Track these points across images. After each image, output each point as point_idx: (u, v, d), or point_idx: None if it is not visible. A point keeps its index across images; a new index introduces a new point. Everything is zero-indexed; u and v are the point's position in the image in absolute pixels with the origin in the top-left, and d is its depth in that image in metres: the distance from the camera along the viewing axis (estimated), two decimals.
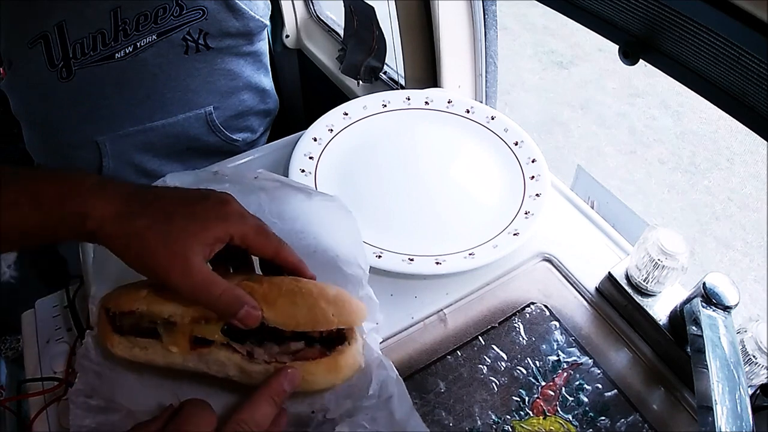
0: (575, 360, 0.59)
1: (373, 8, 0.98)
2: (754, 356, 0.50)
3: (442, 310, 0.63)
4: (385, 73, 1.07)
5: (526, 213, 0.70)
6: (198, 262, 0.45)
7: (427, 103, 0.86)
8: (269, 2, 1.03)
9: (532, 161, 0.76)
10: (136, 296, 0.49)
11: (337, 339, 0.51)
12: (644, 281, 0.59)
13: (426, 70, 0.97)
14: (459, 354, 0.60)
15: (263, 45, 1.05)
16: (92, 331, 0.52)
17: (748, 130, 0.48)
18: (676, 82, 0.51)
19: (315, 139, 0.80)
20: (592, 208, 0.75)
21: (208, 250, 0.46)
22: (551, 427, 0.54)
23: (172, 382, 0.52)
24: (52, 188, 0.45)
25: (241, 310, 0.46)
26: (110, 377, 0.50)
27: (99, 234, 0.45)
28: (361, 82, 1.07)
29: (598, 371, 0.58)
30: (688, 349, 0.53)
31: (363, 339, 0.52)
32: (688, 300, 0.54)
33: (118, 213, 0.45)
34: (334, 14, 1.25)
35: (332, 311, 0.48)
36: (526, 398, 0.56)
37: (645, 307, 0.59)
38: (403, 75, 1.00)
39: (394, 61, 0.99)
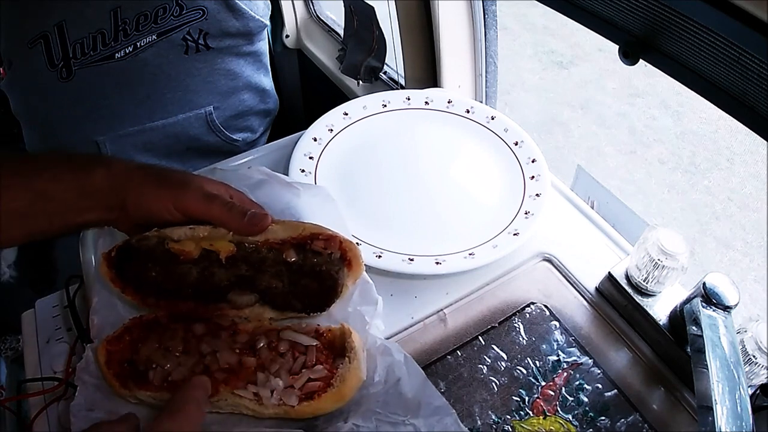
0: (575, 360, 0.59)
1: (373, 8, 0.98)
2: (754, 356, 0.50)
3: (442, 310, 0.63)
4: (385, 73, 1.07)
5: (526, 213, 0.70)
6: (206, 186, 0.51)
7: (427, 103, 0.86)
8: (269, 2, 1.03)
9: (532, 161, 0.76)
10: (146, 233, 0.53)
11: (338, 346, 0.51)
12: (644, 281, 0.59)
13: (426, 70, 0.97)
14: (459, 354, 0.60)
15: (263, 45, 1.05)
16: (92, 345, 0.52)
17: (748, 130, 0.48)
18: (676, 82, 0.51)
19: (315, 139, 0.80)
20: (592, 208, 0.75)
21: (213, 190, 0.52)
22: (551, 427, 0.54)
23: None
24: (78, 157, 0.52)
25: (249, 211, 0.51)
26: (111, 390, 0.50)
27: (124, 177, 0.50)
28: (361, 82, 1.07)
29: (598, 371, 0.58)
30: (688, 349, 0.53)
31: (364, 352, 0.52)
32: (688, 300, 0.54)
33: (138, 165, 0.52)
34: (334, 14, 1.25)
35: (333, 231, 0.53)
36: (526, 398, 0.56)
37: (645, 307, 0.59)
38: (403, 75, 1.00)
39: (394, 61, 0.99)
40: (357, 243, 0.65)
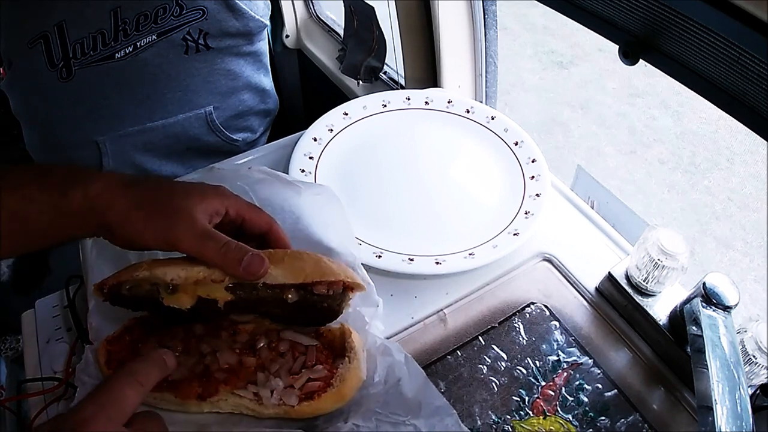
0: (575, 360, 0.59)
1: (373, 8, 0.98)
2: (754, 356, 0.50)
3: (442, 310, 0.63)
4: (385, 73, 1.07)
5: (526, 213, 0.70)
6: (202, 217, 0.46)
7: (427, 103, 0.86)
8: (269, 2, 1.03)
9: (532, 161, 0.76)
10: (136, 269, 0.49)
11: (338, 346, 0.51)
12: (644, 281, 0.59)
13: (426, 70, 0.97)
14: (459, 354, 0.60)
15: (263, 45, 1.05)
16: (92, 346, 0.52)
17: (748, 130, 0.48)
18: (676, 82, 0.51)
19: (315, 139, 0.80)
20: (592, 208, 0.75)
21: (208, 218, 0.47)
22: (551, 427, 0.54)
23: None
24: (58, 170, 0.47)
25: (246, 257, 0.46)
26: None
27: (103, 200, 0.45)
28: (361, 82, 1.07)
29: (598, 371, 0.58)
30: (688, 349, 0.53)
31: (364, 352, 0.52)
32: (688, 300, 0.54)
33: (122, 182, 0.46)
34: (334, 14, 1.25)
35: (336, 267, 0.50)
36: (526, 398, 0.56)
37: (645, 307, 0.59)
38: (403, 75, 1.00)
39: (394, 61, 0.99)
40: (357, 243, 0.65)
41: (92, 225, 0.46)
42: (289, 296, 0.49)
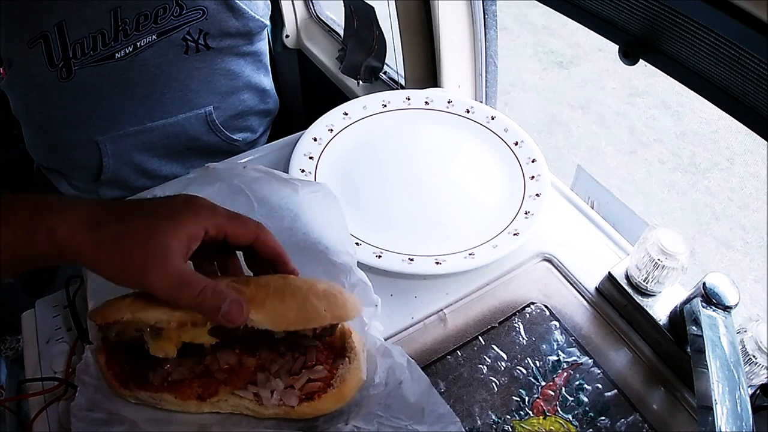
0: (575, 360, 0.59)
1: (373, 8, 0.98)
2: (754, 356, 0.50)
3: (442, 310, 0.63)
4: (385, 73, 1.07)
5: (526, 213, 0.70)
6: (175, 260, 0.43)
7: (427, 103, 0.86)
8: (269, 2, 1.03)
9: (532, 161, 0.76)
10: (120, 305, 0.47)
11: (338, 347, 0.51)
12: (644, 281, 0.59)
13: (426, 70, 0.97)
14: (459, 354, 0.60)
15: (263, 45, 1.05)
16: (92, 346, 0.52)
17: (748, 130, 0.48)
18: (676, 82, 0.51)
19: (315, 139, 0.80)
20: (592, 208, 0.75)
21: (185, 248, 0.45)
22: (551, 427, 0.54)
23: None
24: (22, 204, 0.43)
25: (223, 305, 0.44)
26: (111, 390, 0.50)
27: (70, 244, 0.42)
28: (361, 82, 1.07)
29: (598, 371, 0.58)
30: (688, 349, 0.53)
31: (364, 352, 0.52)
32: (688, 300, 0.54)
33: (88, 222, 0.43)
34: (334, 14, 1.25)
35: (324, 306, 0.46)
36: (526, 398, 0.56)
37: (645, 307, 0.59)
38: (403, 75, 1.00)
39: (394, 61, 0.99)
40: (357, 243, 0.65)
41: (67, 260, 0.44)
42: (275, 335, 0.47)
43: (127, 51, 0.90)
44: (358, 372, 0.50)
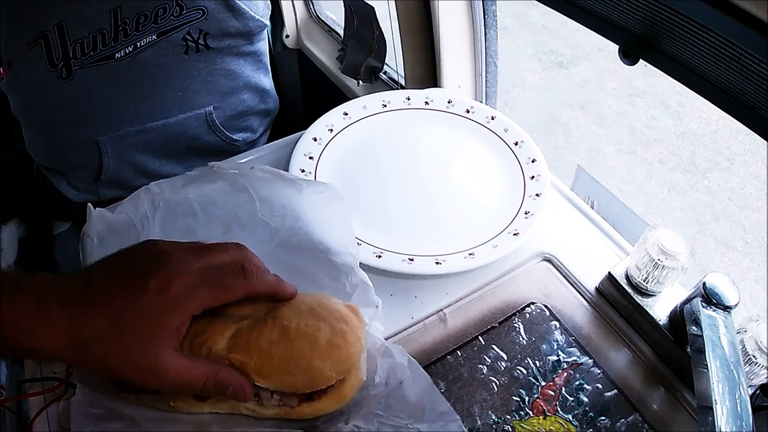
0: (575, 360, 0.59)
1: (373, 8, 0.98)
2: (754, 356, 0.50)
3: (442, 310, 0.63)
4: (385, 73, 1.07)
5: (526, 213, 0.70)
6: (168, 360, 0.42)
7: (427, 103, 0.86)
8: (269, 2, 1.03)
9: (532, 161, 0.76)
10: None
11: None
12: (644, 281, 0.59)
13: (426, 70, 0.97)
14: (459, 354, 0.60)
15: (263, 45, 1.05)
16: None
17: (748, 130, 0.48)
18: (676, 82, 0.51)
19: (315, 139, 0.80)
20: (592, 208, 0.75)
21: (175, 337, 0.44)
22: (551, 427, 0.54)
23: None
24: None
25: (228, 391, 0.45)
26: (110, 387, 0.50)
27: (44, 349, 0.41)
28: (361, 82, 1.07)
29: (598, 371, 0.58)
30: (688, 349, 0.53)
31: (364, 352, 0.51)
32: (688, 300, 0.54)
33: (68, 346, 0.41)
34: (334, 14, 1.25)
35: (329, 366, 0.47)
36: (526, 398, 0.56)
37: (645, 307, 0.59)
38: (403, 75, 1.00)
39: (394, 61, 0.99)
40: (357, 243, 0.65)
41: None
42: None
43: (127, 51, 0.90)
44: (358, 372, 0.50)
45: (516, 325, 0.62)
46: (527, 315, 0.63)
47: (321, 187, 0.66)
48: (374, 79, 1.07)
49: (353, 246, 0.61)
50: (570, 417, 0.55)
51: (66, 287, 0.43)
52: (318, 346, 0.47)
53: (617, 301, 0.62)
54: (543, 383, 0.57)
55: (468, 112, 0.84)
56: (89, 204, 0.65)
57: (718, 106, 0.49)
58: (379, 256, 0.65)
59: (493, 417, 0.55)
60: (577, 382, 0.57)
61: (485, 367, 0.59)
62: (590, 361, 0.59)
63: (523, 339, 0.61)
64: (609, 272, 0.62)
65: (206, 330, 0.47)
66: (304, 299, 0.51)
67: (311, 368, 0.46)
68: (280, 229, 0.61)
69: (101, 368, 0.43)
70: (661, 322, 0.58)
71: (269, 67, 1.09)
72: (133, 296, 0.42)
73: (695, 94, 0.51)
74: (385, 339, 0.59)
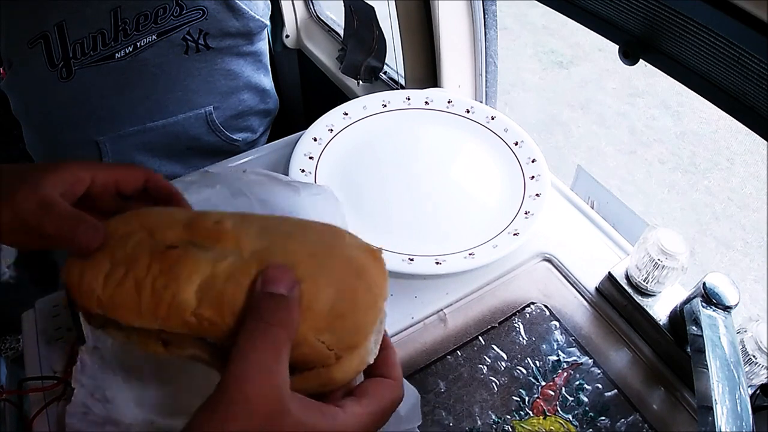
0: (575, 360, 0.59)
1: (373, 8, 0.98)
2: (754, 356, 0.50)
3: (442, 310, 0.63)
4: (385, 73, 1.07)
5: (526, 213, 0.70)
6: (50, 193, 0.39)
7: (427, 103, 0.86)
8: (269, 2, 1.03)
9: (532, 161, 0.76)
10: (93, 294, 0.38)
11: None
12: (644, 281, 0.59)
13: (426, 70, 0.97)
14: (459, 354, 0.60)
15: (263, 45, 1.05)
16: (87, 345, 0.52)
17: (748, 130, 0.48)
18: (676, 82, 0.51)
19: (315, 139, 0.80)
20: (592, 208, 0.75)
21: (68, 185, 0.41)
22: (551, 427, 0.54)
23: (170, 398, 0.51)
24: None
25: (78, 229, 0.38)
26: (107, 393, 0.50)
27: None
28: (361, 82, 1.07)
29: (598, 371, 0.58)
30: (688, 349, 0.53)
31: (383, 323, 0.39)
32: (688, 300, 0.54)
33: None
34: (334, 14, 1.25)
35: (327, 339, 0.34)
36: (526, 398, 0.56)
37: (645, 307, 0.59)
38: (403, 75, 1.00)
39: (394, 61, 0.99)
40: None
41: None
42: None
43: (127, 51, 0.90)
44: (364, 352, 0.48)
45: (516, 325, 0.62)
46: (527, 315, 0.63)
47: (317, 189, 0.66)
48: (374, 79, 1.07)
49: None
50: (570, 417, 0.55)
51: None
52: (313, 313, 0.33)
53: (617, 301, 0.62)
54: (543, 383, 0.57)
55: (468, 112, 0.84)
56: None
57: (718, 106, 0.49)
58: None
59: (493, 417, 0.55)
60: (577, 382, 0.57)
61: (485, 367, 0.59)
62: (590, 361, 0.59)
63: (523, 339, 0.61)
64: (609, 272, 0.62)
65: (173, 268, 0.35)
66: (308, 232, 0.38)
67: (303, 342, 0.33)
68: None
69: None
70: (661, 322, 0.58)
71: (269, 67, 1.09)
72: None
73: (695, 94, 0.51)
74: None
